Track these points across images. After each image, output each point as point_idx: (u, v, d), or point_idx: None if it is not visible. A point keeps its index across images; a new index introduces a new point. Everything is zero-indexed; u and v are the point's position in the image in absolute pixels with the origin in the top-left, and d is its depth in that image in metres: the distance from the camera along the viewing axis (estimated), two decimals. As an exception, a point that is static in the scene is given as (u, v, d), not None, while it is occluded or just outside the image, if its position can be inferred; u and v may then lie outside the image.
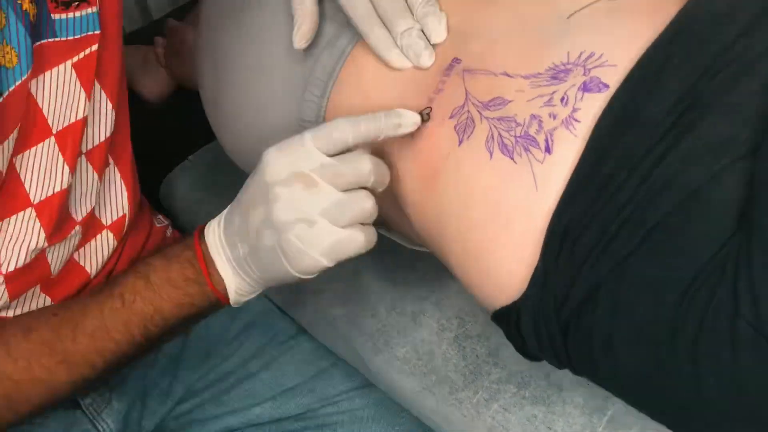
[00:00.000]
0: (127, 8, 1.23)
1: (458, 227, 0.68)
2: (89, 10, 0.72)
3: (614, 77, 0.62)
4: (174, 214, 1.13)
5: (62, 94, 0.72)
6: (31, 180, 0.72)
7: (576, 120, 0.62)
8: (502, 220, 0.64)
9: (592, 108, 0.62)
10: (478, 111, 0.67)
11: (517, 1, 0.71)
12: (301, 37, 0.74)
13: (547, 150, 0.62)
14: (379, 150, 0.72)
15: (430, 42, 0.72)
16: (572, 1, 0.68)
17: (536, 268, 0.63)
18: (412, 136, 0.70)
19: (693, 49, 0.61)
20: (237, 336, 0.96)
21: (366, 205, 0.65)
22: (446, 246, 0.70)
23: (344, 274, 0.96)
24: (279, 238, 0.64)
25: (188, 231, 1.11)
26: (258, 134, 0.81)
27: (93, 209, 0.80)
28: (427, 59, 0.72)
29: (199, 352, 0.94)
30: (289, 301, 0.99)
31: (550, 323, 0.63)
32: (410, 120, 0.67)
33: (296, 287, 0.98)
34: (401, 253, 0.95)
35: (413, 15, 0.72)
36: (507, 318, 0.67)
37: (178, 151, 1.15)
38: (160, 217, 1.00)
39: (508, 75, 0.67)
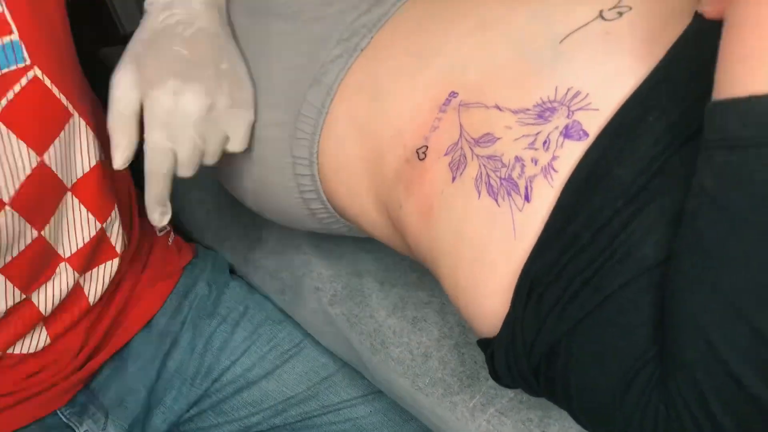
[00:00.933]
0: (128, 8, 1.23)
1: (448, 262, 0.68)
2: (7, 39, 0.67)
3: (595, 125, 0.61)
4: (173, 214, 1.13)
5: None
6: None
7: (554, 170, 0.62)
8: (487, 261, 0.65)
9: (570, 158, 0.61)
10: (470, 148, 0.67)
11: (512, 24, 0.70)
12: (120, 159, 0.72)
13: (527, 198, 0.62)
14: (381, 180, 0.73)
15: None
16: (567, 20, 0.67)
17: (508, 314, 0.64)
18: (411, 170, 0.70)
19: (671, 106, 0.59)
20: (238, 346, 0.96)
21: None
22: (442, 278, 0.71)
23: (345, 276, 0.96)
24: None
25: (187, 230, 1.11)
26: (252, 176, 0.81)
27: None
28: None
29: (202, 367, 0.95)
30: (289, 301, 1.00)
31: (521, 364, 0.64)
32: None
33: (296, 285, 0.97)
34: (400, 253, 0.95)
35: None
36: (486, 348, 0.68)
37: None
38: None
39: (498, 108, 0.66)
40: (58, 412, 0.86)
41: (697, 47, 0.61)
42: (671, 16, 0.64)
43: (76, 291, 0.82)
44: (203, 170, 1.12)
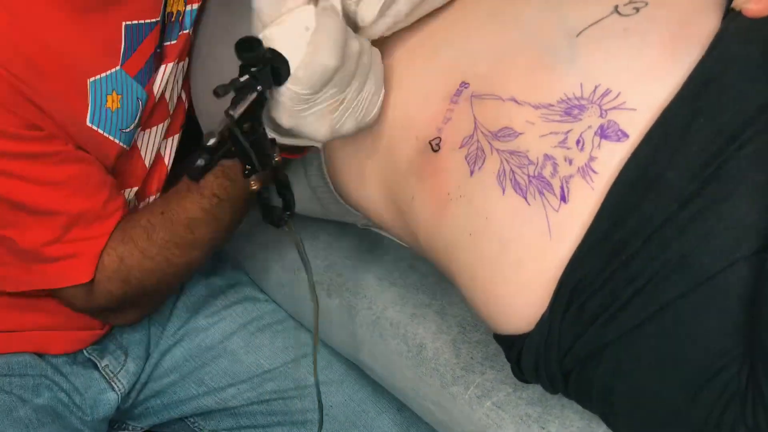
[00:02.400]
0: None
1: (467, 259, 0.67)
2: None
3: (634, 126, 0.60)
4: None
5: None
6: None
7: (594, 171, 0.60)
8: (513, 258, 0.63)
9: (611, 160, 0.60)
10: (488, 141, 0.65)
11: (522, 14, 0.69)
12: None
13: (563, 199, 0.61)
14: (392, 170, 0.72)
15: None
16: (581, 14, 0.66)
17: (542, 317, 0.62)
18: (425, 162, 0.69)
19: (722, 107, 0.58)
20: (221, 311, 0.98)
21: None
22: (455, 273, 0.69)
23: (341, 267, 0.95)
24: None
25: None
26: None
27: None
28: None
29: (182, 315, 0.98)
30: (288, 296, 0.99)
31: (550, 366, 0.63)
32: None
33: (293, 281, 0.96)
34: (399, 250, 0.93)
35: None
36: (509, 344, 0.67)
37: (179, 149, 1.15)
38: None
39: (516, 101, 0.65)
40: (84, 350, 0.94)
41: (743, 46, 0.60)
42: (692, 11, 0.63)
43: None
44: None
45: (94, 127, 0.75)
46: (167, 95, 0.84)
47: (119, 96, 0.76)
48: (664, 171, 0.58)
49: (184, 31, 0.82)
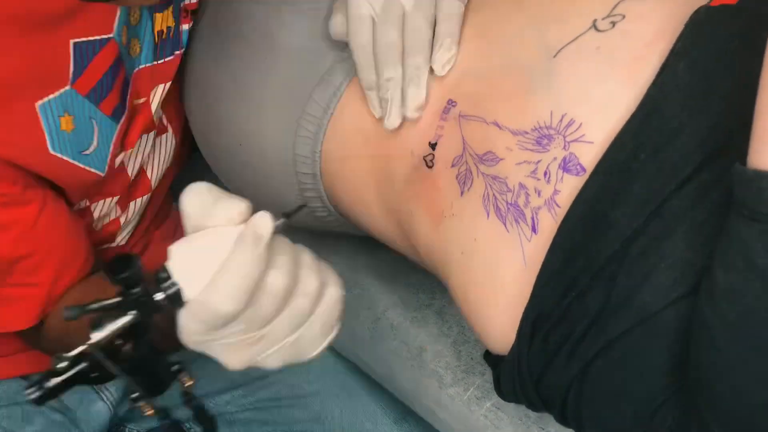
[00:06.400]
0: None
1: (461, 276, 0.68)
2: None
3: (591, 159, 0.60)
4: (174, 212, 1.14)
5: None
6: None
7: (557, 205, 0.61)
8: (498, 282, 0.64)
9: (571, 194, 0.61)
10: (474, 164, 0.66)
11: (507, 32, 0.69)
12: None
13: (534, 229, 0.62)
14: (391, 187, 0.72)
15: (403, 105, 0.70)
16: (561, 31, 0.65)
17: (513, 344, 0.63)
18: (421, 178, 0.70)
19: (663, 142, 0.57)
20: None
21: None
22: (452, 288, 0.71)
23: (343, 270, 0.94)
24: None
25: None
26: (253, 169, 0.81)
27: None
28: (393, 122, 0.70)
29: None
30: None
31: (528, 393, 0.64)
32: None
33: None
34: (406, 256, 0.93)
35: (402, 66, 0.70)
36: (494, 365, 0.68)
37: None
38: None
39: (498, 126, 0.65)
40: None
41: (687, 71, 0.59)
42: (667, 23, 0.62)
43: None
44: (204, 170, 1.12)
45: (59, 155, 0.71)
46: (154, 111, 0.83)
47: (72, 116, 0.72)
48: (608, 209, 0.58)
49: (179, 51, 0.81)
